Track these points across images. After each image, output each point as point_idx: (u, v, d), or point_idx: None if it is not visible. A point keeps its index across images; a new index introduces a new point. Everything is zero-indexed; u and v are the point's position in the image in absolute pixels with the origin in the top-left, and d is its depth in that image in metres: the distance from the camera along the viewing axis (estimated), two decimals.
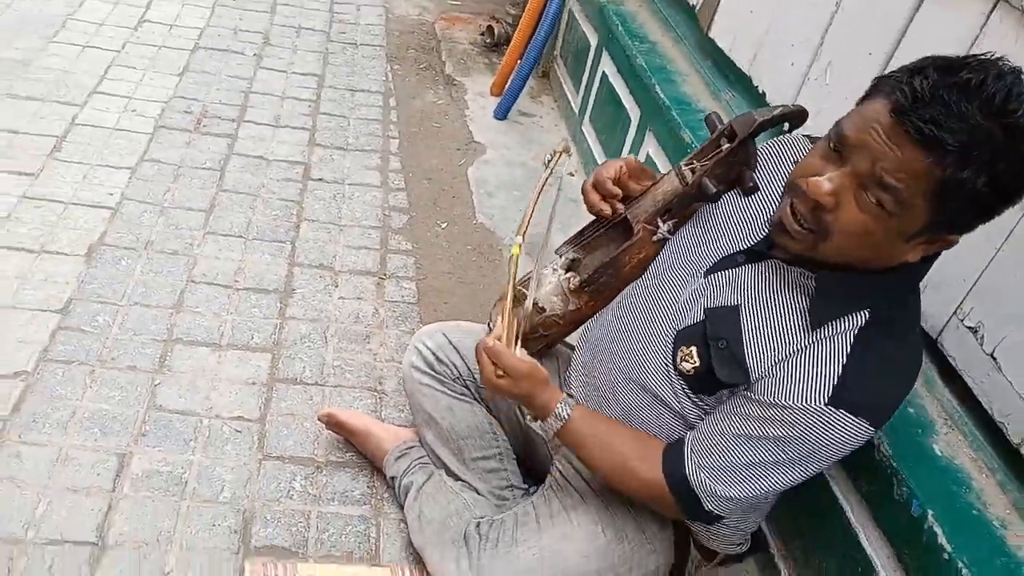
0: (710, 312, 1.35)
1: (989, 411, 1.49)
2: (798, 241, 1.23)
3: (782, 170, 1.43)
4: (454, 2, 4.49)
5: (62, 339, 1.99)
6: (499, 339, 1.41)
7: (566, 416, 1.39)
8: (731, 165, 1.46)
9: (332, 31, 3.84)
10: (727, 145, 1.46)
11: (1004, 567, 1.31)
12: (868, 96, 1.15)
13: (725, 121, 1.50)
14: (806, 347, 1.25)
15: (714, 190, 1.45)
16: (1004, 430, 1.46)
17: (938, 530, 1.35)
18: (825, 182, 1.15)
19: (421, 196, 2.83)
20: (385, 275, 2.43)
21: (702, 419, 1.38)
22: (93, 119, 2.82)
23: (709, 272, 1.40)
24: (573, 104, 3.38)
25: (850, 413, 1.22)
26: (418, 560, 1.66)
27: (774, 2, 2.29)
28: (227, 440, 1.85)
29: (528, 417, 1.46)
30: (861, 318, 1.24)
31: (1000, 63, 1.06)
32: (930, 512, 1.38)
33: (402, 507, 1.73)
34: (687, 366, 1.35)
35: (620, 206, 1.54)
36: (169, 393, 1.92)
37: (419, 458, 1.77)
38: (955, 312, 1.57)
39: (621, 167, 1.52)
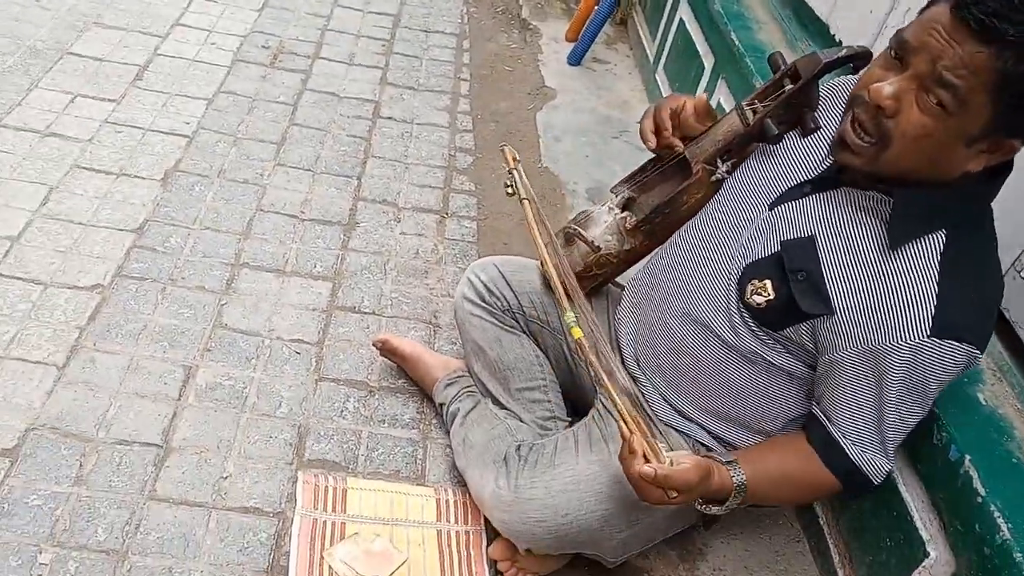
0: (786, 244, 1.36)
1: None
2: (859, 155, 1.25)
3: (842, 109, 1.42)
4: None
5: (136, 257, 2.09)
6: (645, 456, 1.26)
7: (743, 481, 1.33)
8: (793, 106, 1.47)
9: None
10: (790, 86, 1.46)
11: None
12: (929, 4, 1.17)
13: (789, 61, 1.49)
14: (891, 277, 1.26)
15: (776, 131, 1.47)
16: None
17: (973, 474, 1.37)
18: (887, 86, 1.18)
19: (488, 138, 2.86)
20: (447, 213, 2.48)
21: (757, 353, 1.41)
22: (174, 50, 2.92)
23: (774, 205, 1.42)
24: (649, 52, 3.36)
25: (955, 340, 1.23)
26: (461, 483, 1.73)
27: None
28: (286, 360, 1.93)
29: (703, 507, 1.35)
30: (939, 240, 1.25)
31: None
32: (967, 457, 1.39)
33: (448, 432, 1.79)
34: (759, 299, 1.37)
35: (679, 144, 1.55)
36: (234, 313, 2.01)
37: (467, 387, 1.82)
38: (1013, 263, 1.55)
39: (685, 103, 1.54)
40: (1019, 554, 1.27)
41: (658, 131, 1.56)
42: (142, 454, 1.67)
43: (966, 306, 1.23)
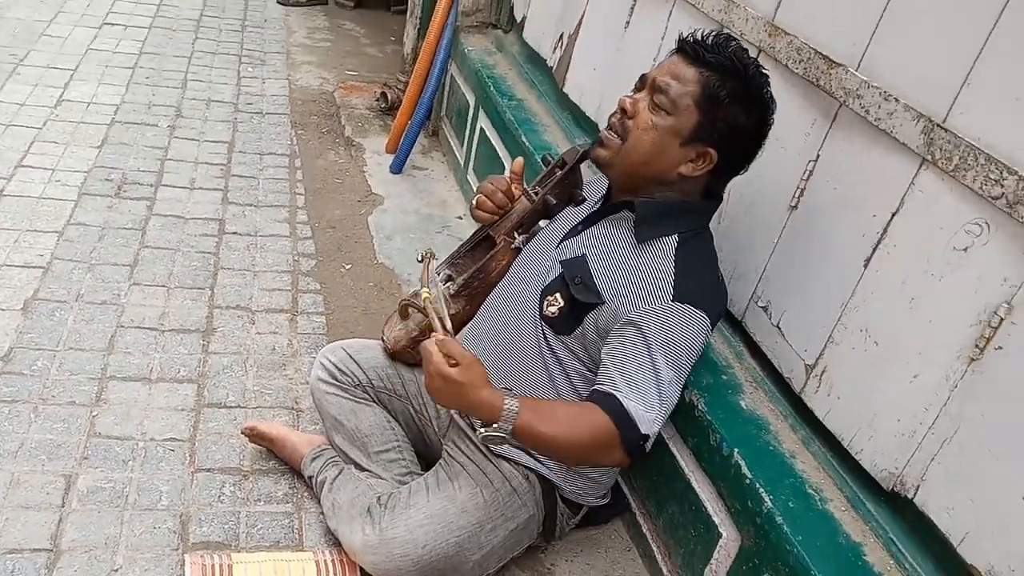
0: (564, 262, 1.69)
1: (779, 369, 1.80)
2: (608, 148, 1.63)
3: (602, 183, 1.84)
4: (351, 72, 4.76)
5: (5, 382, 2.13)
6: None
7: (517, 407, 1.47)
8: (564, 186, 1.84)
9: (240, 102, 4.04)
10: (560, 172, 1.80)
11: (791, 485, 1.62)
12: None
13: (555, 157, 1.87)
14: (641, 265, 1.59)
15: (555, 202, 1.83)
16: (790, 383, 1.76)
17: (741, 463, 1.65)
18: (629, 97, 1.61)
19: (326, 243, 3.05)
20: (297, 312, 2.64)
21: (563, 362, 1.70)
22: (19, 190, 2.96)
23: (558, 245, 1.74)
24: (459, 157, 3.66)
25: (692, 305, 1.55)
26: (335, 543, 1.86)
27: (611, 60, 2.61)
28: (161, 458, 2.02)
29: (479, 432, 1.49)
30: (673, 241, 1.61)
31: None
32: (736, 450, 1.67)
33: (319, 500, 1.92)
34: (553, 309, 1.67)
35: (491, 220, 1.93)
36: (106, 422, 2.08)
37: (331, 458, 1.97)
38: (751, 296, 1.88)
39: (509, 176, 1.94)
40: (779, 518, 1.55)
41: (483, 208, 1.90)
42: (33, 559, 1.72)
43: (697, 285, 1.58)
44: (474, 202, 1.94)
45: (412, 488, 1.76)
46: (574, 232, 1.77)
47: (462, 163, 3.59)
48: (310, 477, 1.97)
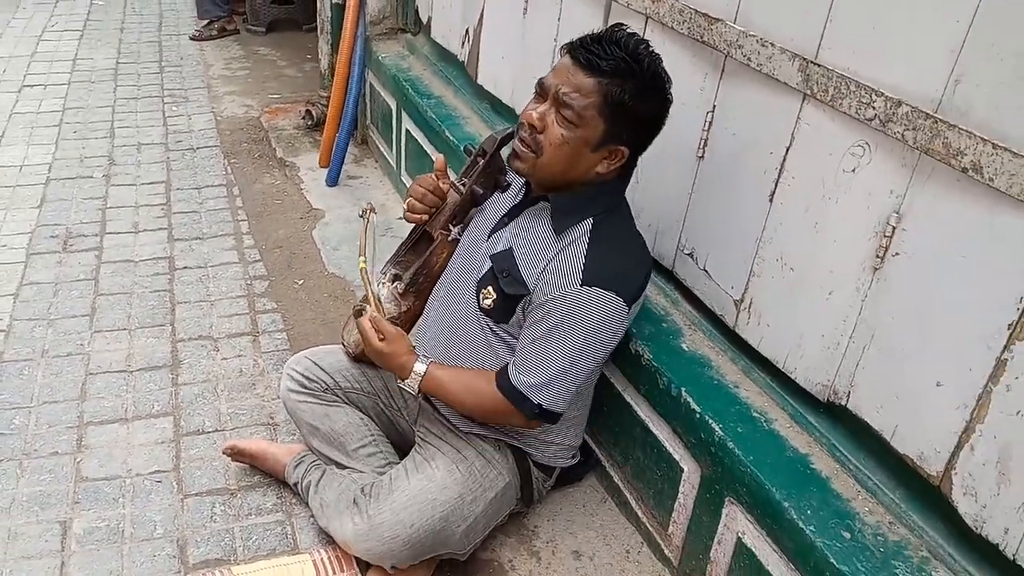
0: (493, 257, 1.75)
1: (712, 309, 1.89)
2: (524, 162, 1.66)
3: None
4: (273, 95, 4.76)
5: None
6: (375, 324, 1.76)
7: (423, 371, 1.72)
8: (488, 174, 1.88)
9: (169, 141, 4.03)
10: (482, 161, 1.86)
11: (738, 412, 1.71)
12: (561, 57, 1.64)
13: (475, 147, 1.91)
14: (558, 254, 1.65)
15: (482, 191, 1.88)
16: (723, 320, 1.86)
17: (689, 399, 1.74)
18: (535, 111, 1.61)
19: (276, 263, 3.09)
20: (259, 333, 2.68)
21: (508, 343, 1.76)
22: None
23: (488, 237, 1.80)
24: (390, 160, 3.70)
25: (601, 287, 1.61)
26: (329, 540, 1.92)
27: (517, 46, 2.68)
28: (150, 491, 2.06)
29: (397, 380, 1.77)
30: (587, 225, 1.66)
31: (631, 31, 1.62)
32: (683, 389, 1.76)
33: (308, 504, 1.98)
34: (487, 302, 1.73)
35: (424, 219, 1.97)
36: (91, 466, 2.11)
37: (313, 462, 2.02)
38: (678, 245, 1.97)
39: (431, 179, 1.94)
40: (731, 443, 1.65)
41: (414, 210, 1.95)
42: None
43: (607, 266, 1.64)
44: (405, 206, 1.99)
45: (392, 475, 1.83)
46: (501, 224, 1.82)
47: (394, 166, 3.64)
48: (295, 483, 2.02)
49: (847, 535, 1.47)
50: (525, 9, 2.63)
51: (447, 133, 2.92)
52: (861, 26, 1.47)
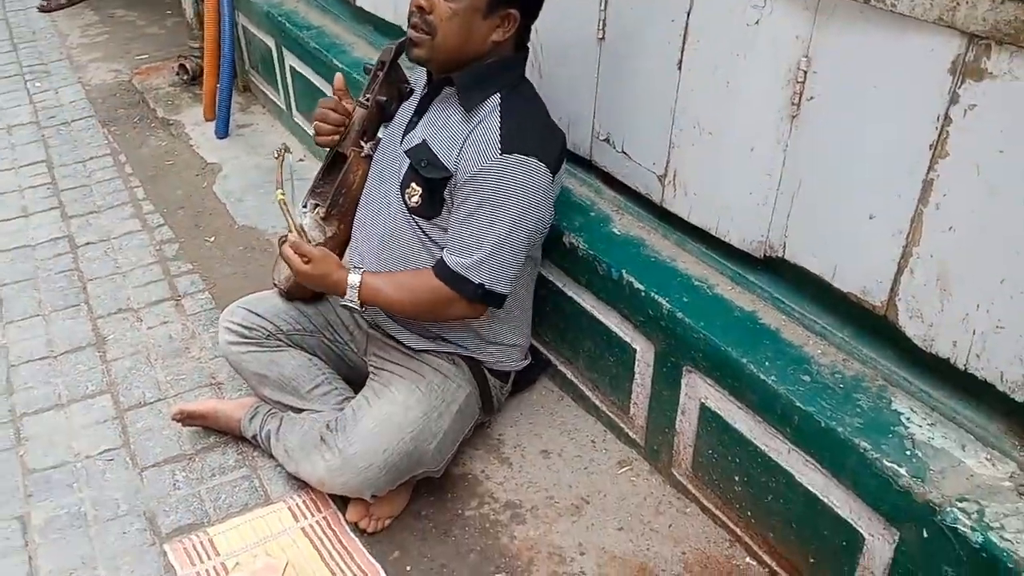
0: (408, 151, 1.71)
1: (636, 190, 1.88)
2: (421, 47, 1.63)
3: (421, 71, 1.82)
4: (140, 56, 4.47)
5: None
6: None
7: (357, 281, 1.67)
8: (391, 84, 1.85)
9: (41, 118, 3.75)
10: (381, 73, 1.79)
11: (680, 283, 1.72)
12: None
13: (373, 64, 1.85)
14: (472, 130, 1.62)
15: (385, 98, 1.84)
16: (650, 198, 1.85)
17: (631, 279, 1.73)
18: None
19: (181, 223, 2.93)
20: (180, 296, 2.56)
21: (440, 241, 1.72)
22: None
23: (402, 141, 1.75)
24: (279, 102, 3.53)
25: (520, 154, 1.60)
26: (300, 485, 1.87)
27: None
28: (104, 470, 1.96)
29: (338, 300, 1.75)
30: (496, 99, 1.64)
31: None
32: (623, 271, 1.75)
33: (272, 454, 1.91)
34: (414, 200, 1.70)
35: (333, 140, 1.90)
36: (36, 456, 2.00)
37: (268, 411, 1.95)
38: (592, 134, 1.93)
39: (333, 98, 1.88)
40: (679, 313, 1.66)
41: (322, 132, 1.88)
42: None
43: (523, 134, 1.62)
44: (313, 129, 1.91)
45: (354, 406, 1.78)
46: (411, 125, 1.77)
47: (284, 107, 3.48)
48: (253, 436, 1.95)
49: (806, 378, 1.50)
50: None
51: (335, 61, 2.79)
52: None
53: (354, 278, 1.68)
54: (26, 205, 3.07)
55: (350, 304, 1.70)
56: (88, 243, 2.83)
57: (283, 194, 1.78)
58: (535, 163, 1.61)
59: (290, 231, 1.76)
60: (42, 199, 3.11)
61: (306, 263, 1.68)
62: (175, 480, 1.94)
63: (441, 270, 1.66)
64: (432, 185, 1.67)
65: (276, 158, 1.89)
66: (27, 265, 2.72)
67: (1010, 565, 1.18)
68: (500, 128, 1.61)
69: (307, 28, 3.07)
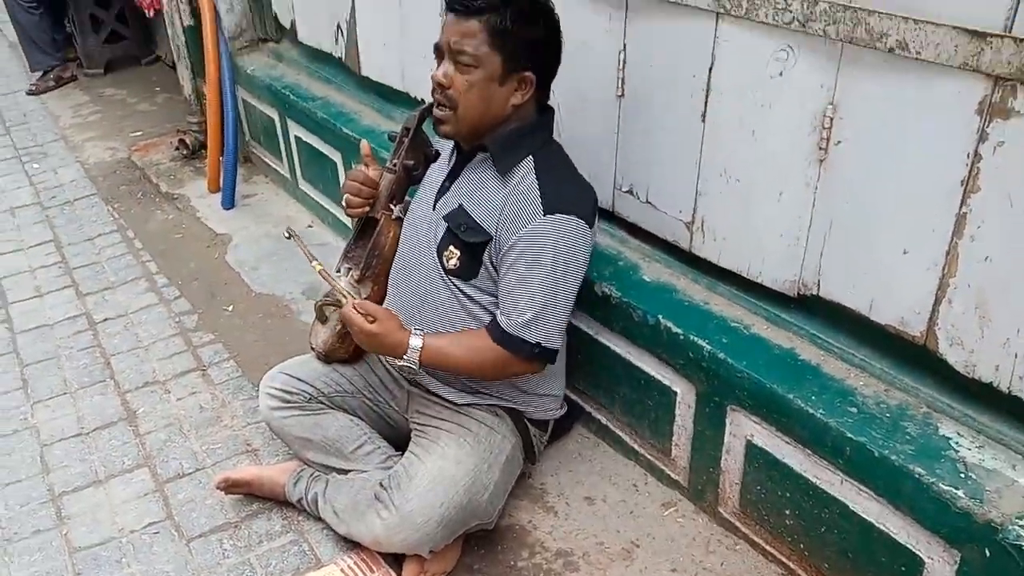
0: (446, 216, 1.75)
1: (663, 237, 1.94)
2: (447, 123, 1.69)
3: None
4: (135, 133, 4.50)
5: None
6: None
7: (420, 344, 1.69)
8: (416, 149, 1.91)
9: (43, 199, 3.76)
10: (406, 139, 1.86)
11: (716, 325, 1.78)
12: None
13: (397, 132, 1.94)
14: (510, 194, 1.67)
15: (412, 163, 1.90)
16: (677, 245, 1.92)
17: (669, 323, 1.78)
18: (439, 71, 1.65)
19: (198, 295, 2.94)
20: (205, 366, 2.56)
21: (478, 301, 1.76)
22: None
23: (434, 204, 1.81)
24: (283, 172, 3.57)
25: (562, 213, 1.64)
26: (351, 546, 1.87)
27: (399, 31, 2.64)
28: (151, 544, 1.94)
29: (394, 361, 1.74)
30: (530, 160, 1.69)
31: None
32: (659, 316, 1.80)
33: (320, 516, 1.91)
34: (452, 262, 1.74)
35: (366, 209, 1.95)
36: (80, 534, 1.97)
37: (312, 475, 1.95)
38: (614, 186, 2.00)
39: (361, 169, 1.93)
40: (721, 354, 1.70)
41: (353, 205, 1.92)
42: None
43: (561, 193, 1.68)
44: (344, 203, 1.95)
45: (405, 464, 1.79)
46: (443, 191, 1.81)
47: (288, 176, 3.52)
48: (299, 500, 1.95)
49: (853, 409, 1.54)
50: None
51: (344, 130, 2.85)
52: None
53: (416, 340, 1.69)
54: (39, 285, 3.06)
55: (409, 364, 1.71)
56: (106, 319, 2.83)
57: (320, 264, 1.81)
58: (576, 220, 1.65)
59: (340, 296, 1.78)
60: (55, 278, 3.11)
61: (371, 322, 1.70)
62: (223, 549, 1.92)
63: (497, 334, 1.68)
64: (472, 249, 1.71)
65: (287, 238, 1.94)
66: (48, 344, 2.71)
67: None
68: (539, 189, 1.66)
69: (312, 99, 3.12)
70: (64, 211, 3.66)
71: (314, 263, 1.82)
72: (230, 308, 2.85)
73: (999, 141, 1.30)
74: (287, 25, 3.45)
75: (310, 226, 3.33)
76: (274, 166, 3.65)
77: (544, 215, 1.64)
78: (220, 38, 3.51)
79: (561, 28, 1.74)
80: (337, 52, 3.11)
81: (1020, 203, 1.30)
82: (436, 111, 1.70)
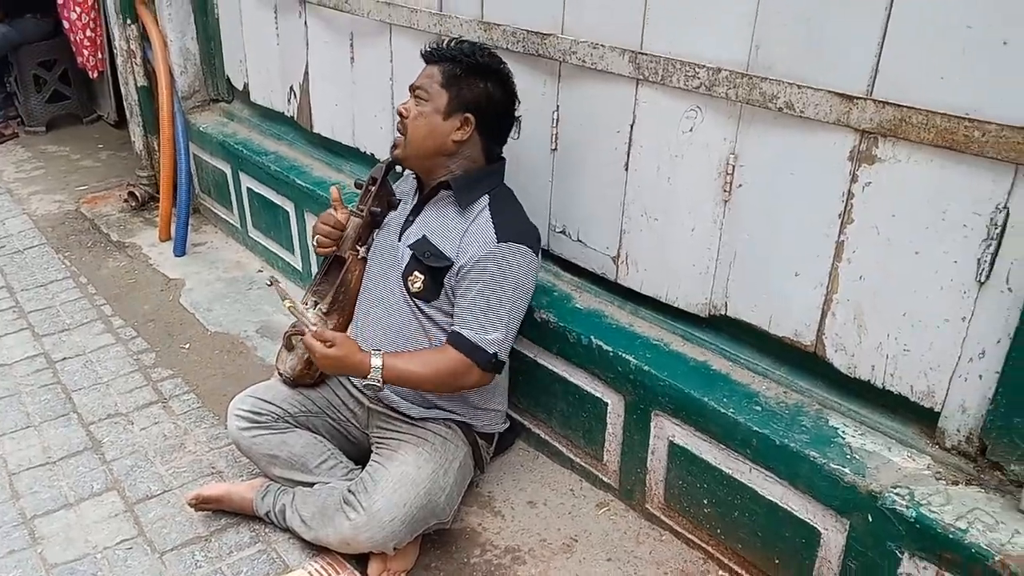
0: (412, 246, 1.94)
1: (593, 271, 2.16)
2: (399, 145, 1.93)
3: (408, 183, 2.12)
4: (80, 187, 4.52)
5: None
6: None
7: (379, 364, 1.82)
8: (381, 197, 2.08)
9: None
10: (373, 187, 2.03)
11: (640, 343, 1.99)
12: None
13: (363, 181, 2.11)
14: (469, 225, 1.88)
15: (379, 210, 2.07)
16: (605, 277, 2.14)
17: (601, 343, 1.97)
18: (403, 104, 1.90)
19: (154, 334, 3.00)
20: (166, 398, 2.63)
21: (436, 321, 1.93)
22: None
23: (400, 238, 1.99)
24: (232, 221, 3.68)
25: (514, 242, 1.86)
26: (317, 550, 1.97)
27: (350, 92, 2.82)
28: (126, 558, 2.00)
29: (363, 381, 1.86)
30: (485, 200, 1.92)
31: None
32: (592, 337, 2.00)
33: (287, 527, 2.01)
34: (417, 285, 1.92)
35: (333, 250, 2.12)
36: (55, 552, 2.01)
37: (279, 488, 2.05)
38: (549, 227, 2.21)
39: (330, 213, 2.10)
40: (647, 367, 1.90)
41: (323, 244, 2.09)
42: None
43: (513, 227, 1.90)
44: (314, 243, 2.11)
45: (370, 471, 1.92)
46: (408, 224, 2.00)
47: (238, 225, 3.62)
48: (267, 513, 2.04)
49: (758, 408, 1.76)
50: (352, 58, 2.78)
51: (298, 181, 3.00)
52: (675, 16, 1.78)
53: (376, 360, 1.83)
54: None
55: (373, 382, 1.84)
56: (65, 358, 2.86)
57: (291, 300, 1.93)
58: (525, 248, 1.86)
59: (306, 326, 1.91)
60: (10, 321, 3.12)
61: (329, 347, 1.83)
62: (195, 560, 2.00)
63: (458, 342, 1.85)
64: (435, 273, 1.89)
65: (269, 285, 2.10)
66: (7, 382, 2.73)
67: (938, 530, 1.44)
68: (493, 222, 1.87)
69: (265, 153, 3.27)
70: (14, 259, 3.66)
71: (285, 301, 1.94)
72: (187, 346, 2.93)
73: (867, 182, 1.56)
74: (239, 87, 3.60)
75: (260, 271, 3.44)
76: (224, 216, 3.75)
77: (498, 243, 1.84)
78: (175, 98, 3.63)
79: (516, 94, 1.96)
80: (289, 111, 3.27)
81: (885, 231, 1.56)
82: (395, 136, 1.95)
